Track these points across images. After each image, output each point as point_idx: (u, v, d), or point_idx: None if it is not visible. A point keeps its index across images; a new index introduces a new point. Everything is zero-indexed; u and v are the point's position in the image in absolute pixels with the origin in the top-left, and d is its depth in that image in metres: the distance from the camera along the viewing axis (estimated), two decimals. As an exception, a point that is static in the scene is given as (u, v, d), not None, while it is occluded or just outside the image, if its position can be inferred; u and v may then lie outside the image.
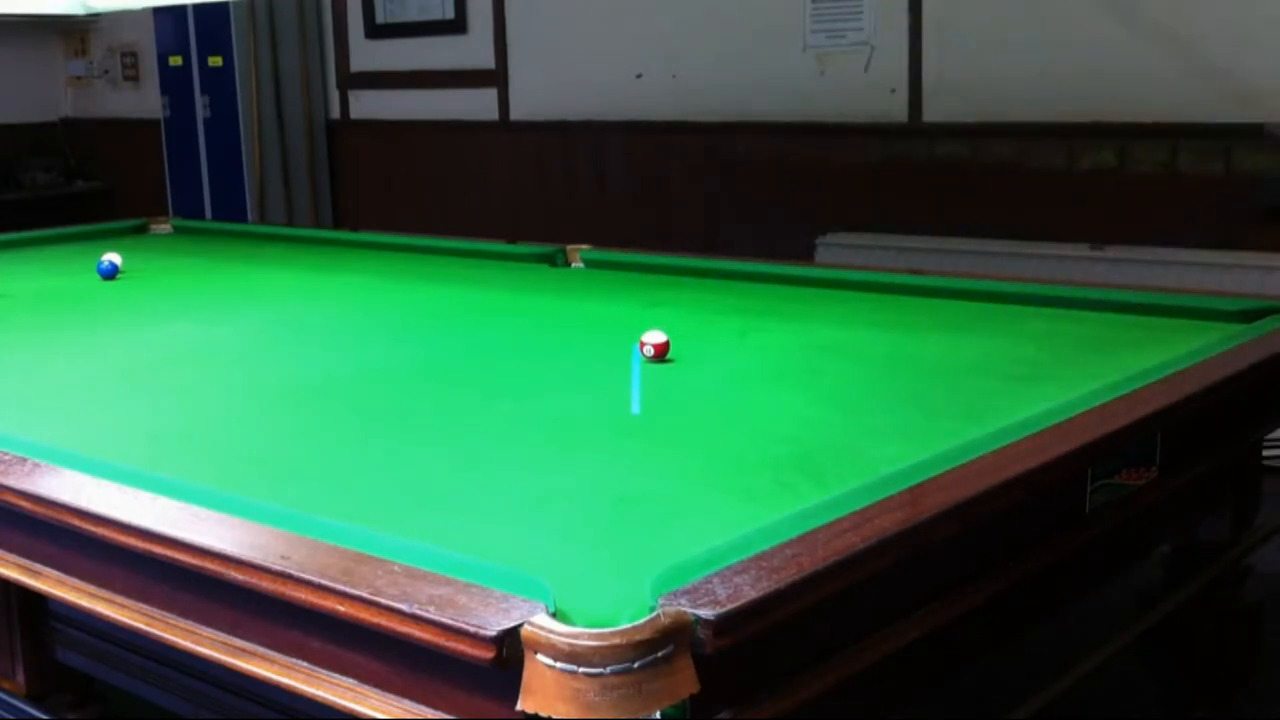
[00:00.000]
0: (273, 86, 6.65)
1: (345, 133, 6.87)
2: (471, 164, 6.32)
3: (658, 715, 1.15)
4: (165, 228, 4.48)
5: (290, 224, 6.51)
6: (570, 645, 1.14)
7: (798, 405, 2.12)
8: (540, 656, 1.15)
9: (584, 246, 3.57)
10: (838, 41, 5.01)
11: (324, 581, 1.29)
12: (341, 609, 1.28)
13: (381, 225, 5.91)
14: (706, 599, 1.21)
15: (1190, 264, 4.15)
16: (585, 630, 1.16)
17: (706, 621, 1.18)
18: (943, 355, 2.41)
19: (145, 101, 7.39)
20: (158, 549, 1.46)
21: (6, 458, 1.75)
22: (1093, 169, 4.57)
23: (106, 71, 7.79)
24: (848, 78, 5.00)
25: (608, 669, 1.13)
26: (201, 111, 6.70)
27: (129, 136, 7.60)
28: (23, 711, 1.93)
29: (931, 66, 4.83)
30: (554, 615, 1.19)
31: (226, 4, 6.30)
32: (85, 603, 1.63)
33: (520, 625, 1.17)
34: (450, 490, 1.71)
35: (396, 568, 1.31)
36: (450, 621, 1.19)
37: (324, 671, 1.37)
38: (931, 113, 4.87)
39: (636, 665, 1.14)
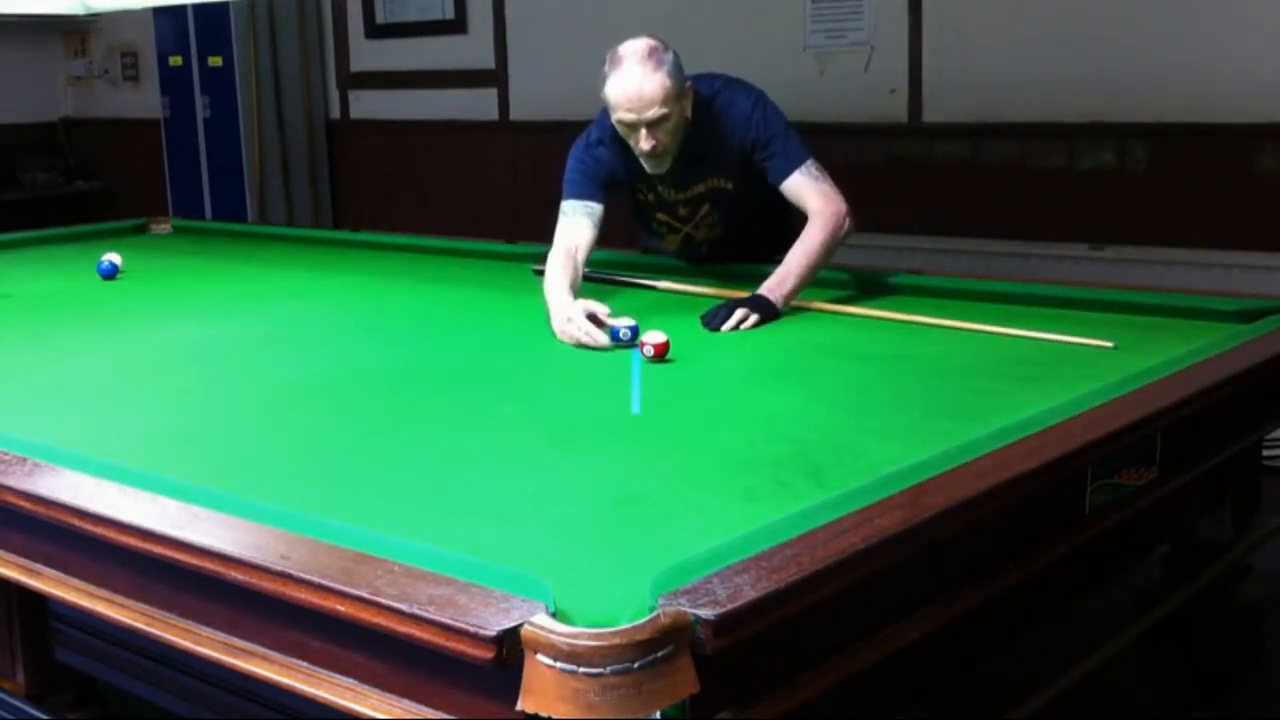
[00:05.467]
0: (273, 86, 6.64)
1: (345, 133, 6.86)
2: (471, 164, 6.31)
3: (658, 715, 1.15)
4: (165, 228, 4.48)
5: (290, 224, 6.50)
6: (570, 645, 1.14)
7: (798, 405, 2.12)
8: (540, 656, 1.15)
9: (584, 246, 3.55)
10: (838, 41, 5.01)
11: (324, 581, 1.29)
12: (341, 609, 1.28)
13: (381, 225, 5.91)
14: (706, 599, 1.21)
15: (1190, 264, 4.15)
16: (585, 630, 1.16)
17: (706, 621, 1.18)
18: (942, 355, 2.41)
19: (145, 101, 7.38)
20: (157, 549, 1.46)
21: (6, 458, 1.75)
22: (1093, 169, 4.57)
23: (106, 71, 7.78)
24: (848, 78, 4.99)
25: (607, 669, 1.13)
26: (201, 111, 6.69)
27: (129, 136, 7.59)
28: (23, 711, 1.93)
29: (931, 66, 4.82)
30: (554, 615, 1.19)
31: (226, 4, 6.29)
32: (85, 603, 1.63)
33: (520, 625, 1.17)
34: (450, 490, 1.71)
35: (396, 568, 1.31)
36: (450, 621, 1.19)
37: (324, 671, 1.37)
38: (931, 113, 4.86)
39: (636, 665, 1.14)
